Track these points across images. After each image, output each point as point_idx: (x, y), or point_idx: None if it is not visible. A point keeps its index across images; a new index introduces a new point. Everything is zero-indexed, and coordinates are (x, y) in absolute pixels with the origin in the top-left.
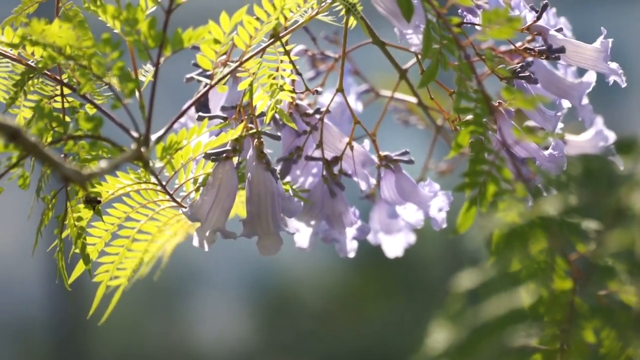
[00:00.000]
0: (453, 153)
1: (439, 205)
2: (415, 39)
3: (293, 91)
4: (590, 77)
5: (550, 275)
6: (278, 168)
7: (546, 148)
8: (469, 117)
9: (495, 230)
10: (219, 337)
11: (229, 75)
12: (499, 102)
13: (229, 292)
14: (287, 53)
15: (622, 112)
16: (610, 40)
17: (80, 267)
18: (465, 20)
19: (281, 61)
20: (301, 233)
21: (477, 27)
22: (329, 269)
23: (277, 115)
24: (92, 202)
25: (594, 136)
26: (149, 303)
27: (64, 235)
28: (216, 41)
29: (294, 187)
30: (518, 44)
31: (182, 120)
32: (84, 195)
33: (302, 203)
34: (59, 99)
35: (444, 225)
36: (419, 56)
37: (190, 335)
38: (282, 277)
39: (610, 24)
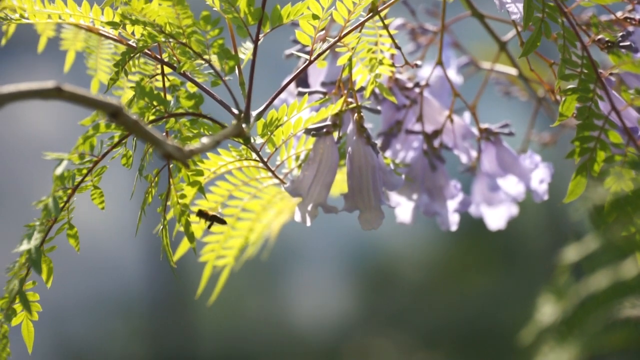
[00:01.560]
0: (559, 121)
1: (540, 177)
2: (515, 9)
3: (392, 65)
4: None
5: None
6: (378, 142)
7: None
8: (573, 84)
9: (599, 202)
10: (319, 312)
11: (328, 51)
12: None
13: (329, 267)
14: (385, 27)
15: None
16: None
17: (184, 245)
18: None
19: (380, 35)
20: (403, 207)
21: None
22: (428, 242)
23: (376, 90)
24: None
25: None
26: (249, 278)
27: (169, 215)
28: (315, 17)
29: (395, 161)
30: (618, 14)
31: (282, 96)
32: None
33: (403, 177)
34: (159, 77)
35: (546, 197)
36: (519, 27)
37: (290, 310)
38: (381, 251)
39: None
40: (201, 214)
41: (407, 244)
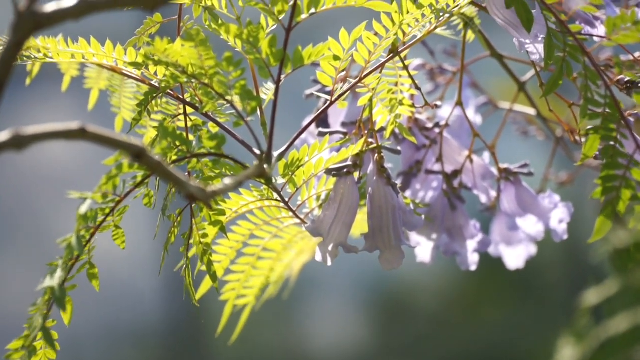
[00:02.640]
0: (582, 161)
1: (559, 216)
2: (534, 49)
3: (412, 105)
4: None
5: None
6: (398, 182)
7: None
8: (595, 124)
9: (619, 245)
10: (335, 341)
11: (348, 91)
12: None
13: (345, 297)
14: (406, 68)
15: None
16: None
17: (206, 284)
18: (583, 32)
19: (400, 76)
20: (422, 246)
21: (595, 38)
22: (444, 272)
23: (396, 130)
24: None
25: None
26: (266, 308)
27: (190, 254)
28: (336, 58)
29: (415, 200)
30: (636, 54)
31: (303, 136)
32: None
33: (423, 217)
34: (182, 117)
35: (565, 237)
36: (538, 67)
37: (307, 340)
38: (398, 281)
39: None
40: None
41: (423, 275)
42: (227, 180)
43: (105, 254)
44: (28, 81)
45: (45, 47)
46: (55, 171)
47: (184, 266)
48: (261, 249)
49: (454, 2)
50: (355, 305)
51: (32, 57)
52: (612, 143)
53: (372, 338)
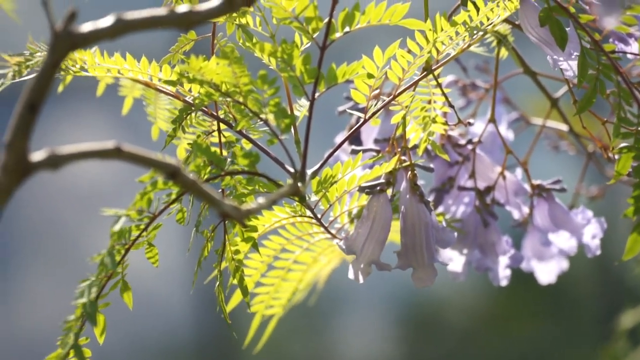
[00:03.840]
0: (615, 179)
1: (592, 232)
2: (567, 66)
3: (445, 123)
4: None
5: None
6: (431, 199)
7: None
8: (629, 142)
9: None
10: (365, 355)
11: (382, 109)
12: None
13: (374, 312)
14: (439, 85)
15: None
16: None
17: (236, 298)
18: (617, 50)
19: (433, 93)
20: (455, 262)
21: (629, 56)
22: (474, 288)
23: (429, 147)
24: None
25: None
26: (295, 322)
27: (222, 267)
28: (370, 76)
29: (447, 217)
30: None
31: (335, 153)
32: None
33: (455, 233)
34: (216, 134)
35: (598, 252)
36: (571, 84)
37: (337, 354)
38: (427, 296)
39: None
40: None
41: (453, 290)
42: (261, 199)
43: (135, 270)
44: (60, 88)
45: (82, 59)
46: (82, 189)
47: (217, 283)
48: (292, 261)
49: (488, 20)
50: (385, 319)
51: (68, 69)
52: None
53: (402, 353)
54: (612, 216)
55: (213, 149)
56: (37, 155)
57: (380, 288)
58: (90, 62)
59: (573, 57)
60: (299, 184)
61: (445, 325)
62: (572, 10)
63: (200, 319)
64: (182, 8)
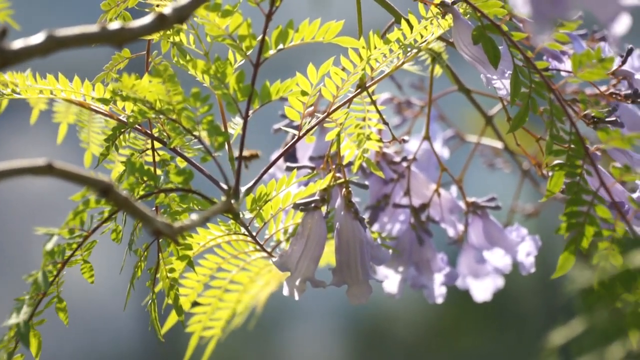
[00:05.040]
0: (547, 197)
1: (526, 250)
2: (501, 85)
3: (380, 140)
4: None
5: None
6: (366, 216)
7: (632, 191)
8: (561, 160)
9: (585, 284)
10: None
11: (316, 126)
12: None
13: (323, 324)
14: (373, 102)
15: None
16: None
17: (172, 318)
18: (550, 67)
19: (368, 111)
20: (390, 280)
21: (562, 73)
22: (421, 302)
23: (364, 164)
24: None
25: None
26: (243, 335)
27: (157, 289)
28: (303, 93)
29: (382, 234)
30: (603, 89)
31: (271, 170)
32: None
33: (390, 251)
34: (150, 152)
35: (532, 270)
36: (505, 102)
37: None
38: (375, 310)
39: None
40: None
41: (400, 303)
42: (194, 216)
43: (81, 283)
44: None
45: (14, 82)
46: (31, 200)
47: (150, 302)
48: (228, 281)
49: (422, 37)
50: (333, 332)
51: (0, 92)
52: (576, 179)
53: None
54: (551, 227)
55: (147, 167)
56: None
57: (328, 301)
58: (21, 84)
59: (506, 75)
60: (233, 201)
61: (392, 338)
62: (505, 28)
63: (147, 335)
64: (114, 25)
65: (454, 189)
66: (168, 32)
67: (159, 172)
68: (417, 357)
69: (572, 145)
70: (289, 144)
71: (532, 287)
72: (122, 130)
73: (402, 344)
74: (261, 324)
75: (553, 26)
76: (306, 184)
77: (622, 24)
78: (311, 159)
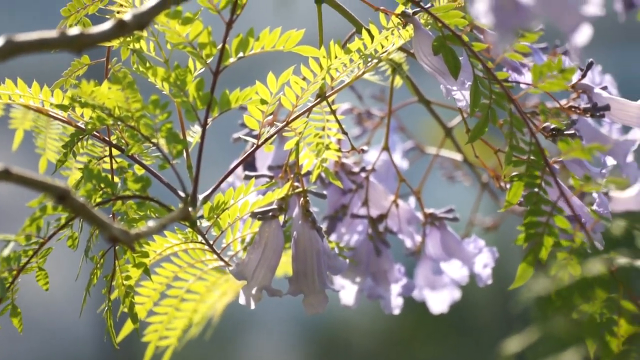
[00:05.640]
0: (505, 207)
1: (484, 261)
2: (460, 96)
3: (339, 150)
4: (636, 135)
5: (610, 329)
6: (324, 226)
7: (590, 205)
8: (520, 170)
9: (541, 292)
10: None
11: (275, 135)
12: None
13: (281, 334)
14: (333, 112)
15: None
16: None
17: (128, 327)
18: (510, 79)
19: (327, 120)
20: (346, 290)
21: (522, 86)
22: (379, 310)
23: (323, 174)
24: None
25: (639, 193)
26: (202, 344)
27: (113, 297)
28: (263, 101)
29: (340, 245)
30: (562, 102)
31: (230, 179)
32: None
33: (347, 261)
34: (107, 159)
35: (489, 282)
36: (465, 113)
37: None
38: (333, 319)
39: None
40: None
41: (358, 312)
42: (151, 223)
43: (41, 290)
44: None
45: None
46: None
47: (106, 309)
48: (185, 290)
49: (382, 48)
50: (292, 342)
51: None
52: (536, 190)
53: None
54: (513, 244)
55: (104, 174)
56: None
57: (287, 310)
58: None
59: (466, 86)
60: (190, 209)
61: (350, 347)
62: (466, 39)
63: (104, 342)
64: (73, 31)
65: (412, 200)
66: (128, 39)
67: (116, 179)
68: None
69: (532, 157)
70: (248, 153)
71: (490, 297)
72: (80, 136)
73: (361, 353)
74: (220, 333)
75: (515, 36)
76: (264, 193)
77: (583, 35)
78: (270, 168)
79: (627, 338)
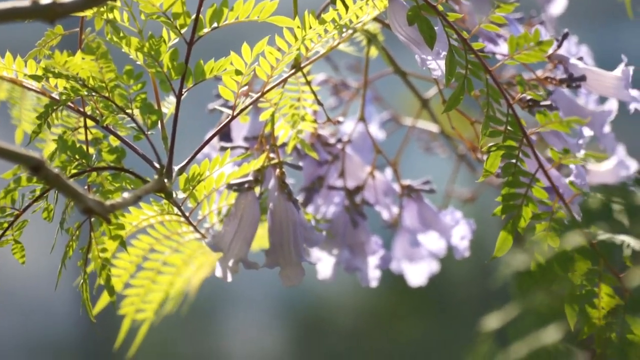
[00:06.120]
0: (484, 177)
1: (461, 233)
2: (436, 66)
3: (315, 121)
4: (612, 105)
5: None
6: (300, 198)
7: (567, 177)
8: (497, 141)
9: (520, 268)
10: (251, 356)
11: (250, 106)
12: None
13: (261, 311)
14: (308, 83)
15: None
16: (632, 67)
17: (104, 299)
18: (486, 50)
19: (302, 91)
20: (323, 262)
21: (497, 57)
22: (361, 288)
23: (298, 145)
24: None
25: (616, 165)
26: (181, 321)
27: (89, 269)
28: (238, 72)
29: (316, 217)
30: (538, 73)
31: (205, 150)
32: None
33: (324, 233)
34: (82, 130)
35: (467, 254)
36: (440, 85)
37: (222, 355)
38: (314, 296)
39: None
40: None
41: (340, 290)
42: (126, 194)
43: (17, 266)
44: None
45: None
46: None
47: (82, 282)
48: (161, 263)
49: (357, 18)
50: (271, 319)
51: None
52: (513, 161)
53: (288, 353)
54: (492, 217)
55: (79, 145)
56: None
57: (267, 286)
58: None
59: (441, 56)
60: (165, 180)
61: (332, 325)
62: (441, 8)
63: (81, 315)
64: (46, 0)
65: (389, 172)
66: (102, 9)
67: (91, 150)
68: (356, 343)
69: (509, 128)
70: (223, 124)
71: (469, 272)
72: (55, 107)
73: (341, 330)
74: (198, 308)
75: (490, 7)
76: (240, 164)
77: (558, 5)
78: (245, 139)
79: (608, 311)
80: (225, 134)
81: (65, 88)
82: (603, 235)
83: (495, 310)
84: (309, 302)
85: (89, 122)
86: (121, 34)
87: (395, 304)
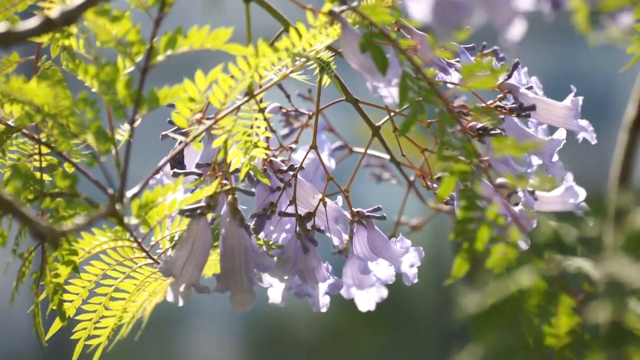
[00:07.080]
0: (437, 202)
1: (410, 261)
2: (387, 93)
3: (267, 148)
4: (561, 135)
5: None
6: (252, 224)
7: (516, 204)
8: (450, 166)
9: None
10: None
11: (204, 133)
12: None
13: (221, 324)
14: (261, 111)
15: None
16: (581, 98)
17: (57, 324)
18: (438, 78)
19: (255, 118)
20: (274, 288)
21: (449, 85)
22: None
23: (251, 172)
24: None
25: (564, 193)
26: (140, 337)
27: (42, 296)
28: (191, 99)
29: (268, 242)
30: (488, 102)
31: (158, 176)
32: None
33: (275, 259)
34: (38, 157)
35: (415, 281)
36: (392, 112)
37: None
38: (273, 310)
39: (594, 60)
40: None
41: (298, 304)
42: (78, 220)
43: None
44: None
45: None
46: None
47: (33, 306)
48: (113, 289)
49: (310, 46)
50: (230, 332)
51: None
52: (468, 184)
53: None
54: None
55: (34, 171)
56: None
57: (226, 301)
58: None
59: (393, 83)
60: (117, 205)
61: (290, 338)
62: (394, 36)
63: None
64: (0, 27)
65: (340, 199)
66: (58, 36)
67: (47, 177)
68: (315, 358)
69: (463, 152)
70: (176, 151)
71: (429, 289)
72: (9, 134)
73: (300, 343)
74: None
75: (454, 32)
76: (192, 191)
77: (517, 29)
78: (198, 165)
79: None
80: (178, 160)
81: (20, 114)
82: (564, 261)
83: (454, 326)
84: (268, 317)
85: (45, 149)
86: (77, 61)
87: (354, 319)
